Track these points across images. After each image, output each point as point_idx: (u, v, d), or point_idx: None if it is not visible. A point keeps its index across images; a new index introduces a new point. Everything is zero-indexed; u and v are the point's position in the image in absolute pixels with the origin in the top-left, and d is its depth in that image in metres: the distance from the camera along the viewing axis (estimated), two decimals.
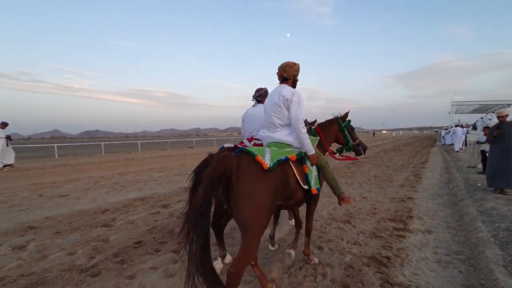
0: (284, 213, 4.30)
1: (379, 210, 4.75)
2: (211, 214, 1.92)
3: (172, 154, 17.43)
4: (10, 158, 10.64)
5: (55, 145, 18.43)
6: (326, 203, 5.11)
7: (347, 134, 3.18)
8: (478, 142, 11.40)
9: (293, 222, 3.71)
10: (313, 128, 3.11)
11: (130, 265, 2.95)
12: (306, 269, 2.81)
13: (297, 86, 2.65)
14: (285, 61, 2.55)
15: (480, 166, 8.67)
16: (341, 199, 2.64)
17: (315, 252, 3.17)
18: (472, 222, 3.76)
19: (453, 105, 31.98)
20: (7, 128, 10.59)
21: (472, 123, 29.90)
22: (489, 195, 4.93)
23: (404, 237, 3.55)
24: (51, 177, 8.90)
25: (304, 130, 2.37)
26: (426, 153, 15.62)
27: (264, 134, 2.60)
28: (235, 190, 1.88)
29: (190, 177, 2.24)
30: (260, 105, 3.11)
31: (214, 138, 26.95)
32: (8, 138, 10.47)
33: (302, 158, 2.36)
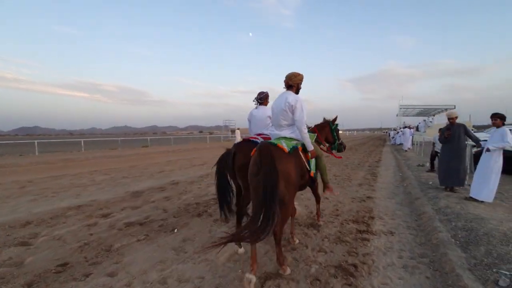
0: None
1: (342, 211, 4.62)
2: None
3: (122, 154, 15.84)
4: None
5: None
6: None
7: (335, 134, 4.01)
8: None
9: None
10: (311, 128, 3.74)
11: None
12: (268, 286, 2.43)
13: (299, 92, 3.06)
14: (291, 72, 2.97)
15: (428, 164, 9.29)
16: (326, 187, 3.26)
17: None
18: (430, 221, 3.77)
19: (401, 108, 34.87)
20: None
21: (415, 125, 32.96)
22: (441, 193, 5.13)
23: (368, 240, 3.40)
24: None
25: (306, 130, 2.85)
26: (379, 152, 16.58)
27: (273, 132, 3.08)
28: (276, 168, 2.32)
29: (215, 167, 3.23)
30: (261, 107, 3.74)
31: (172, 137, 25.17)
32: None
33: (304, 149, 2.88)
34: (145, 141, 22.81)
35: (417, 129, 27.78)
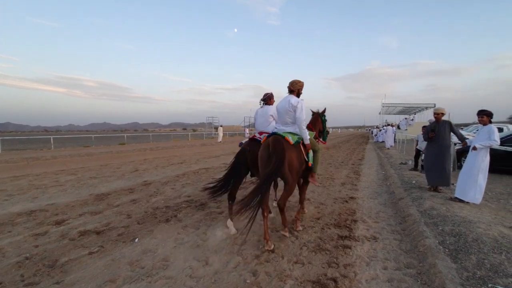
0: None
1: (323, 213, 4.30)
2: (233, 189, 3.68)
3: (95, 152, 14.86)
4: None
5: None
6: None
7: (324, 125, 4.47)
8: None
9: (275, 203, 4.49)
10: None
11: None
12: None
13: (300, 95, 3.54)
14: (294, 79, 3.48)
15: (410, 162, 9.21)
16: (311, 176, 3.64)
17: (248, 281, 2.44)
18: (416, 225, 3.51)
19: (383, 106, 35.45)
20: None
21: (397, 123, 33.63)
22: (425, 193, 4.93)
23: (350, 248, 3.08)
24: None
25: (305, 127, 3.34)
26: (362, 150, 16.59)
27: (279, 128, 3.50)
28: (284, 154, 2.92)
29: (232, 161, 3.65)
30: (266, 106, 4.07)
31: (151, 134, 24.07)
32: None
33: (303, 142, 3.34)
34: (122, 138, 21.59)
35: (398, 127, 28.29)
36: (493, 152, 4.48)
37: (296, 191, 4.09)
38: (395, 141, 17.81)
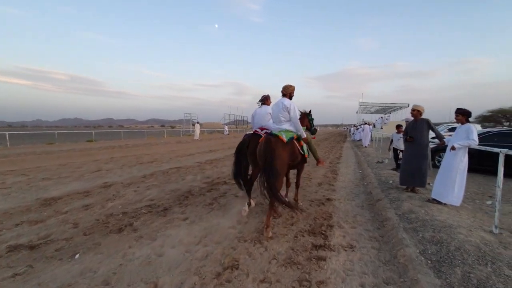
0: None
1: (297, 218, 3.95)
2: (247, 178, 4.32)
3: (58, 150, 13.60)
4: None
5: None
6: (236, 215, 4.06)
7: (312, 123, 5.07)
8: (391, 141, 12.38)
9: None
10: None
11: None
12: None
13: (292, 98, 4.01)
14: (286, 84, 3.97)
15: (386, 161, 9.20)
16: (318, 161, 4.23)
17: None
18: (395, 231, 3.25)
19: (360, 105, 36.25)
20: None
21: (373, 122, 34.51)
22: (403, 194, 4.74)
23: (325, 259, 2.74)
24: None
25: (299, 124, 3.84)
26: (340, 148, 16.65)
27: (274, 126, 3.92)
28: (275, 153, 3.31)
29: (235, 154, 4.34)
30: (263, 106, 4.45)
31: (122, 131, 22.62)
32: None
33: (298, 138, 3.85)
34: (90, 134, 19.92)
35: (374, 126, 28.98)
36: (471, 151, 4.35)
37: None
38: (371, 140, 18.07)
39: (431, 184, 4.77)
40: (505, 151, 2.98)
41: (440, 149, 6.95)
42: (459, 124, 4.18)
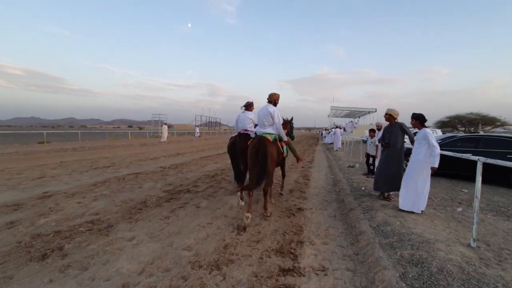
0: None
1: (265, 233, 3.50)
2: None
3: None
4: None
5: None
6: (195, 231, 3.50)
7: (292, 128, 5.43)
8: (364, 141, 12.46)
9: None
10: None
11: None
12: None
13: (277, 104, 4.49)
14: (272, 92, 4.46)
15: (358, 165, 9.14)
16: (298, 159, 5.17)
17: None
18: (370, 247, 2.92)
19: (331, 109, 37.15)
20: None
21: (343, 125, 35.53)
22: (376, 203, 4.50)
23: None
24: None
25: (282, 128, 4.36)
26: (312, 152, 16.65)
27: (259, 130, 4.36)
28: (267, 149, 3.85)
29: (229, 151, 4.79)
30: (247, 112, 5.12)
31: (80, 131, 20.54)
32: None
33: (280, 139, 4.41)
34: (41, 135, 17.67)
35: (344, 129, 29.77)
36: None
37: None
38: (342, 143, 18.34)
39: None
40: (483, 159, 2.77)
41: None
42: (416, 129, 4.13)
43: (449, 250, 2.68)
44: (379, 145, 6.71)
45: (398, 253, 2.67)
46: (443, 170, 7.44)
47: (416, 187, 3.93)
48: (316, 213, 4.43)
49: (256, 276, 2.49)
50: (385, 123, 4.96)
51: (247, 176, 4.69)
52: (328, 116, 41.64)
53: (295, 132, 6.77)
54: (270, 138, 4.08)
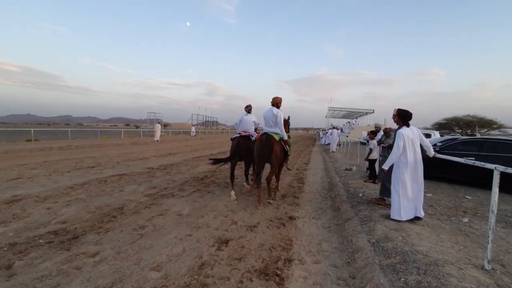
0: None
1: (249, 247, 3.08)
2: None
3: None
4: None
5: None
6: (170, 244, 3.07)
7: (289, 127, 5.84)
8: (363, 143, 12.07)
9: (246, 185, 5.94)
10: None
11: None
12: None
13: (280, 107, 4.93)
14: (275, 96, 4.91)
15: (355, 168, 8.75)
16: (285, 162, 5.28)
17: None
18: (369, 269, 2.51)
19: (329, 110, 36.81)
20: None
21: (341, 126, 35.22)
22: (374, 213, 4.09)
23: None
24: None
25: (283, 128, 4.78)
26: (309, 153, 16.24)
27: (267, 129, 4.78)
28: (272, 147, 4.49)
29: (232, 150, 5.17)
30: (249, 115, 5.61)
31: (69, 129, 19.82)
32: None
33: (283, 139, 4.82)
34: (29, 133, 16.91)
35: (342, 130, 29.43)
36: (430, 159, 3.93)
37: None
38: (339, 144, 17.97)
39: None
40: (501, 168, 2.37)
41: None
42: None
43: (461, 275, 2.28)
44: (379, 147, 6.34)
45: (402, 279, 2.26)
46: (444, 175, 7.07)
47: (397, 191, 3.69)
48: (309, 222, 4.02)
49: None
50: (385, 124, 4.57)
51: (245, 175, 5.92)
52: (326, 116, 41.31)
53: (292, 133, 6.68)
54: (276, 138, 4.61)
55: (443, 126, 39.10)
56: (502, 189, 6.13)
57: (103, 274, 2.47)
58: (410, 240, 2.98)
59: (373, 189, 5.69)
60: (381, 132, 6.50)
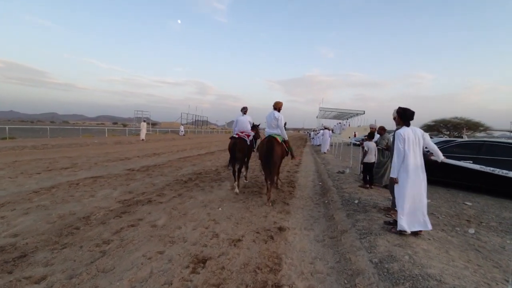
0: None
1: (230, 269, 2.60)
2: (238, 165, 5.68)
3: None
4: None
5: None
6: (138, 264, 2.55)
7: (285, 127, 5.70)
8: (356, 144, 11.73)
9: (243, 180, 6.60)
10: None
11: None
12: None
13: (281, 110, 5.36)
14: (276, 100, 5.37)
15: (348, 171, 8.39)
16: (293, 157, 5.71)
17: None
18: None
19: (320, 110, 36.69)
20: None
21: (332, 127, 35.14)
22: (374, 223, 3.67)
23: None
24: None
25: (284, 130, 5.28)
26: (300, 154, 15.86)
27: (268, 131, 5.29)
28: (274, 149, 4.81)
29: (231, 149, 5.55)
30: (245, 116, 6.20)
31: (49, 127, 18.83)
32: None
33: (284, 140, 5.31)
34: (3, 131, 15.75)
35: (333, 131, 29.28)
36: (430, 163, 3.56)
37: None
38: (330, 145, 17.68)
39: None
40: None
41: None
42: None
43: None
44: (376, 149, 5.98)
45: None
46: (440, 179, 6.78)
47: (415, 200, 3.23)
48: (300, 234, 3.57)
49: None
50: (375, 125, 4.18)
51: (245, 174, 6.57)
52: (317, 117, 41.21)
53: None
54: (279, 139, 5.06)
55: (432, 128, 39.62)
56: (504, 195, 5.96)
57: None
58: (419, 260, 2.57)
59: (370, 195, 5.30)
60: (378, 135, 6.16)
